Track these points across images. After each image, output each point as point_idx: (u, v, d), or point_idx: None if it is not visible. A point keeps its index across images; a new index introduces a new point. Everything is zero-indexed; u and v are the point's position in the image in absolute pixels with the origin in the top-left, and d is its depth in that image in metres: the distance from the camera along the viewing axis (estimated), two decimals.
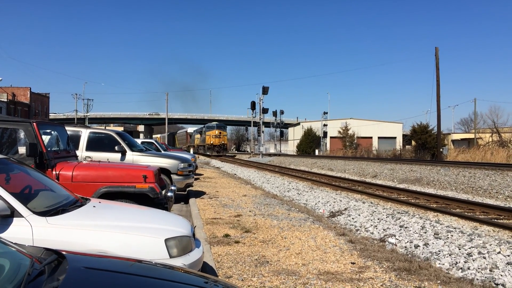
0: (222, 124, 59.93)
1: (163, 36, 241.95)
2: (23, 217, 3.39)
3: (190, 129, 77.30)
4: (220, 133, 54.76)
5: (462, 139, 60.46)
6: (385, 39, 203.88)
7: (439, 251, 6.23)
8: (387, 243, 7.03)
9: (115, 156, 9.85)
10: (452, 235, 6.98)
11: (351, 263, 5.40)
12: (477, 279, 5.11)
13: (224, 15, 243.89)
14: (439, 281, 4.76)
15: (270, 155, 57.20)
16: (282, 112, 63.57)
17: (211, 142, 53.71)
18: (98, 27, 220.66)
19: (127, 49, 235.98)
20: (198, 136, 63.80)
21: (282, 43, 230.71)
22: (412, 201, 12.12)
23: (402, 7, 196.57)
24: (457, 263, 5.68)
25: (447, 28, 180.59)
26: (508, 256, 5.67)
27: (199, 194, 12.38)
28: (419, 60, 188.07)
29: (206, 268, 4.68)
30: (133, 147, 10.56)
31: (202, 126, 62.90)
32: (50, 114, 70.90)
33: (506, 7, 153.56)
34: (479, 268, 5.41)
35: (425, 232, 7.33)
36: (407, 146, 56.96)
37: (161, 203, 6.33)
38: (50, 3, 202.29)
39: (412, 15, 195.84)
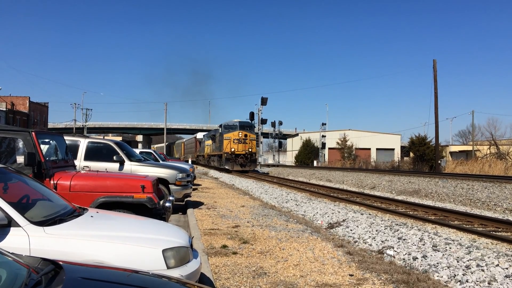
0: (248, 123, 38.64)
1: (162, 46, 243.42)
2: (20, 226, 3.38)
3: (200, 134, 57.37)
4: (246, 136, 35.12)
5: (460, 151, 60.61)
6: (383, 51, 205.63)
7: (437, 263, 6.21)
8: (385, 255, 7.01)
9: (114, 166, 9.84)
10: (450, 247, 6.96)
11: (349, 275, 5.38)
12: None
13: (223, 26, 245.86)
14: None
15: (268, 165, 57.14)
16: (280, 123, 63.73)
17: (232, 149, 34.55)
18: (98, 37, 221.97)
19: (127, 58, 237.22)
20: (209, 142, 43.61)
21: (281, 55, 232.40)
22: (410, 213, 12.10)
23: (401, 20, 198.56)
24: (455, 275, 5.66)
25: (446, 41, 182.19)
26: (507, 268, 5.65)
27: (197, 204, 12.34)
28: (418, 73, 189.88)
29: (203, 279, 4.66)
30: (132, 157, 10.55)
31: (218, 126, 41.08)
32: (49, 124, 71.05)
33: (504, 21, 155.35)
34: (477, 281, 5.39)
35: (424, 244, 7.31)
36: (405, 158, 57.03)
37: (159, 214, 6.32)
38: (49, 12, 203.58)
39: (410, 28, 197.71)
